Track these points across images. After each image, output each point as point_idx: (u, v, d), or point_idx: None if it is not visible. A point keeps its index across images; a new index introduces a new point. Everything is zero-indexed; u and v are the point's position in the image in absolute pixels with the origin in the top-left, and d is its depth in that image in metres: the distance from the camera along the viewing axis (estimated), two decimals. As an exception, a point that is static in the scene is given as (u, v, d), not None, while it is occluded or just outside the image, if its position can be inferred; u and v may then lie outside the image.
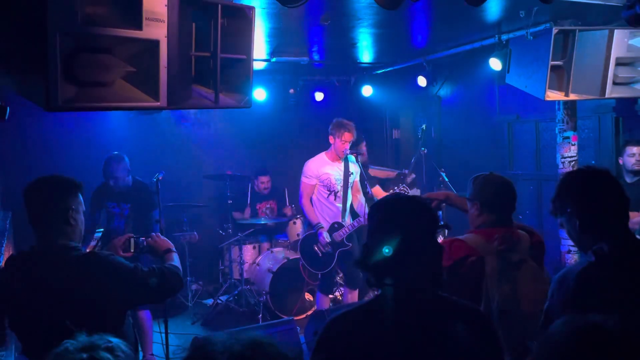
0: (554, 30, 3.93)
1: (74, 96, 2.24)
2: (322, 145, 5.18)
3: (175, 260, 2.49)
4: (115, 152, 4.82)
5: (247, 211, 6.54)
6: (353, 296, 5.23)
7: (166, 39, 2.46)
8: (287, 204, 6.73)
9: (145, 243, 2.58)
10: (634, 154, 4.49)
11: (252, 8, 2.86)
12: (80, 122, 6.03)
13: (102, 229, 4.60)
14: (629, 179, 4.48)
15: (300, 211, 6.18)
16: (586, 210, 1.82)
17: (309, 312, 5.75)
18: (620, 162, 4.63)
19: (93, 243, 4.22)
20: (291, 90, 6.78)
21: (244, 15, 2.86)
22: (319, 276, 5.11)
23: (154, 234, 2.64)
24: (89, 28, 2.24)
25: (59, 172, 2.29)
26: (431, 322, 1.53)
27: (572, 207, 1.84)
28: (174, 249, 2.57)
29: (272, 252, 6.15)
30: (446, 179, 5.37)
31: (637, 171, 4.46)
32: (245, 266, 6.13)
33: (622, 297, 1.66)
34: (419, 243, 1.53)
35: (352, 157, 5.11)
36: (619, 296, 1.66)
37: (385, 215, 1.60)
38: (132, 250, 2.56)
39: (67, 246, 2.18)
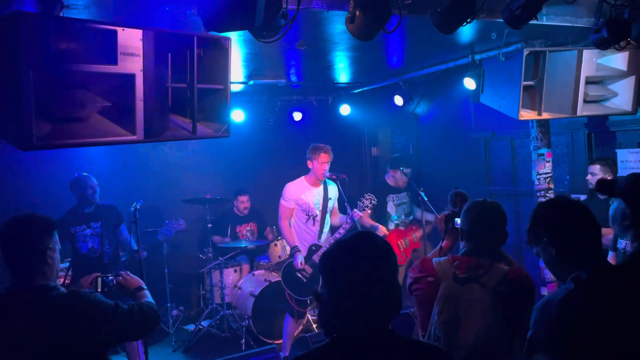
0: (525, 52, 4.03)
1: (49, 133, 2.21)
2: (301, 165, 5.18)
3: (149, 297, 2.46)
4: (84, 173, 4.79)
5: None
6: None
7: (142, 72, 2.46)
8: (267, 226, 6.70)
9: (114, 282, 2.51)
10: (588, 173, 4.53)
11: (228, 39, 2.87)
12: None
13: (68, 259, 4.55)
14: (601, 196, 4.54)
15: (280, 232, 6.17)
16: (561, 239, 1.86)
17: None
18: None
19: (62, 274, 4.13)
20: None
21: (220, 46, 2.87)
22: (308, 302, 5.03)
23: (123, 272, 2.58)
24: (63, 64, 2.22)
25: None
26: None
27: (548, 237, 1.88)
28: (144, 286, 2.54)
29: (253, 275, 6.09)
30: (425, 198, 5.40)
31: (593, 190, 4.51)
32: (227, 290, 6.06)
33: (604, 323, 1.69)
34: (375, 289, 1.47)
35: (330, 181, 5.12)
36: (601, 322, 1.69)
37: (337, 266, 1.51)
38: (99, 290, 2.48)
39: (46, 286, 2.14)
